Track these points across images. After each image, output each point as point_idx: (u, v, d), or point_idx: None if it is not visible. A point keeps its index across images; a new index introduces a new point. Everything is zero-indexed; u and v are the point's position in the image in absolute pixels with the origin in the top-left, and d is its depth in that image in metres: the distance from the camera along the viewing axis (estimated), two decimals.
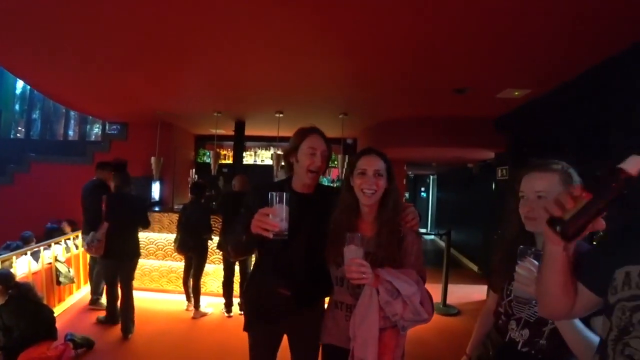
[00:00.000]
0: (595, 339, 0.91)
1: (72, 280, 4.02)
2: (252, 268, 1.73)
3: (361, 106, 4.69)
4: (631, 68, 2.60)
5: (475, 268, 6.70)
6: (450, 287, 4.56)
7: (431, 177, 11.87)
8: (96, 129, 8.29)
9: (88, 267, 4.25)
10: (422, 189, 12.59)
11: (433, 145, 5.12)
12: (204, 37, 2.73)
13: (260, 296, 1.63)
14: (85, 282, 4.48)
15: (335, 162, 6.17)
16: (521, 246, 1.10)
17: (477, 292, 5.12)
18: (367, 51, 2.86)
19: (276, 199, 1.30)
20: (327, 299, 1.63)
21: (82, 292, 4.40)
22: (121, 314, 3.47)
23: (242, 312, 3.12)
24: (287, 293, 1.53)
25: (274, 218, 1.29)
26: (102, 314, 3.71)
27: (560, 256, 0.80)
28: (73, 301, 4.21)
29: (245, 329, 1.68)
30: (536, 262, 1.05)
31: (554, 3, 2.06)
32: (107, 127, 6.57)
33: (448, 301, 4.47)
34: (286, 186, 1.61)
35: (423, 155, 6.30)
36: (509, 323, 1.21)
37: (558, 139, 3.84)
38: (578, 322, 0.96)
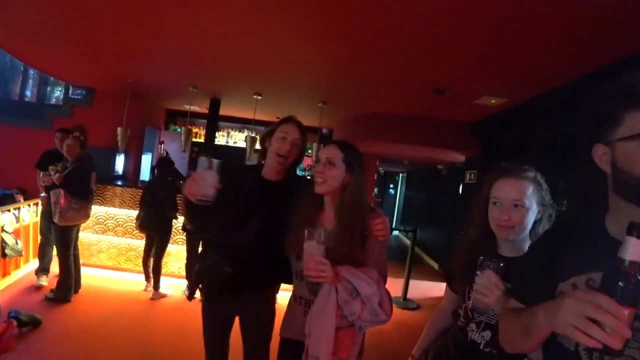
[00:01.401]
0: None
1: (19, 253, 3.72)
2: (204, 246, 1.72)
3: (341, 96, 4.65)
4: (599, 88, 2.73)
5: (435, 265, 6.94)
6: (411, 282, 4.69)
7: (401, 174, 12.11)
8: (58, 92, 7.70)
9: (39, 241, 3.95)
10: (391, 185, 12.82)
11: (408, 143, 5.19)
12: (177, 3, 2.56)
13: (204, 269, 1.64)
14: (35, 256, 4.19)
15: (309, 151, 6.09)
16: (481, 257, 1.11)
17: (436, 289, 5.31)
18: (353, 39, 2.81)
19: (205, 164, 1.33)
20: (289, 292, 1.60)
21: (29, 267, 4.11)
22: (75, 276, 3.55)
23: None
24: (228, 270, 1.53)
25: (199, 183, 1.31)
26: (51, 287, 3.50)
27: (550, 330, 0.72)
28: (19, 276, 3.92)
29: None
30: (495, 274, 1.07)
31: (536, 19, 2.12)
32: (70, 91, 6.11)
33: (408, 296, 4.60)
34: (256, 172, 1.63)
35: (396, 152, 6.39)
36: (468, 325, 1.22)
37: (524, 148, 3.99)
38: None
